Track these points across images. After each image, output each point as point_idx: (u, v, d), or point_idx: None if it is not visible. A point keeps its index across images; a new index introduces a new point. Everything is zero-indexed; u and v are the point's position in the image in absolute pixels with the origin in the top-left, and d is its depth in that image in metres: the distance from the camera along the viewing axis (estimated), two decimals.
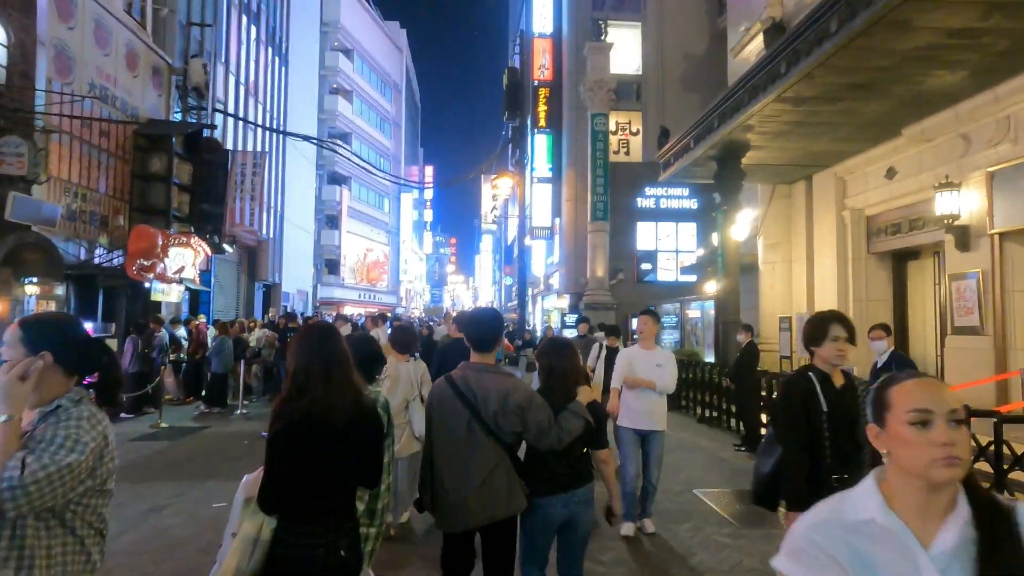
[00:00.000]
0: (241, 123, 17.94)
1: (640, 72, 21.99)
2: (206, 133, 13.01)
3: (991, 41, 6.67)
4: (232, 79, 17.28)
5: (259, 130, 19.31)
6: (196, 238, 11.10)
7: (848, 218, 11.56)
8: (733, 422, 9.36)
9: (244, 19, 18.23)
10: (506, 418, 2.52)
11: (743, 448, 8.09)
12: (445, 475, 2.59)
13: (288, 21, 22.69)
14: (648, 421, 4.75)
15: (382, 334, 10.08)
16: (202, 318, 12.06)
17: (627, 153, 21.83)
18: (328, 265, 46.89)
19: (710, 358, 12.30)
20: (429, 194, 72.20)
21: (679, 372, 12.73)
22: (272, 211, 21.13)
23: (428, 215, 74.37)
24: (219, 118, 16.87)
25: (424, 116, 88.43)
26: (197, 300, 16.25)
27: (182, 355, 10.40)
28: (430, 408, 2.73)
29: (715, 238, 13.05)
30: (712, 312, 13.05)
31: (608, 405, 4.75)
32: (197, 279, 11.32)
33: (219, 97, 16.15)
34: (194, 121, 12.76)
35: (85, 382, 1.78)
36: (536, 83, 22.80)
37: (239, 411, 9.72)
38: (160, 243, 9.77)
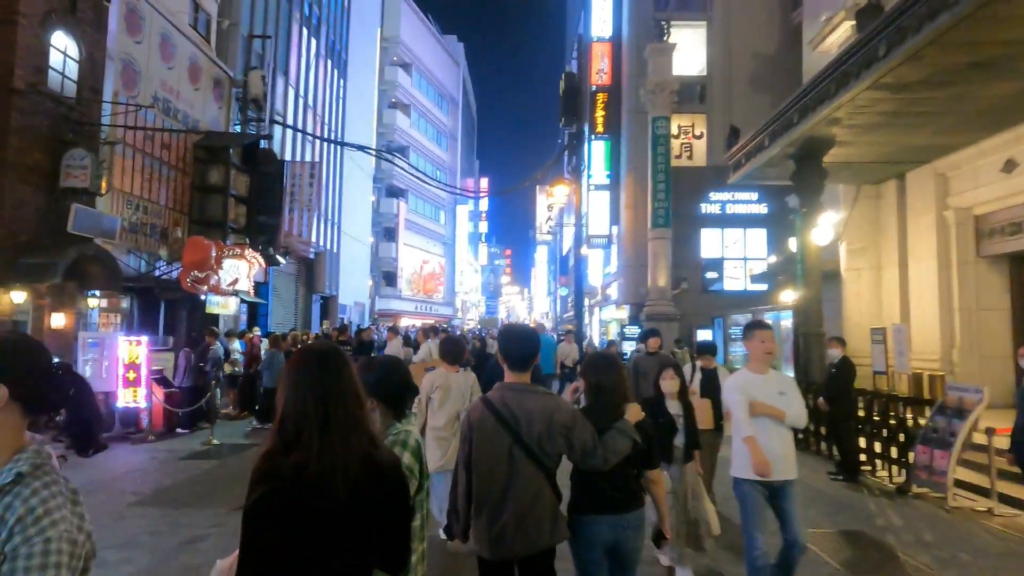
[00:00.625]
0: (299, 135, 18.06)
1: (705, 73, 21.01)
2: (263, 144, 13.00)
3: None
4: (291, 91, 17.42)
5: (316, 142, 19.42)
6: (250, 250, 11.01)
7: (951, 218, 10.36)
8: (824, 446, 8.38)
9: (305, 32, 18.40)
10: (551, 439, 2.40)
11: (840, 477, 7.15)
12: (485, 503, 2.45)
13: (348, 35, 22.94)
14: (779, 468, 3.51)
15: (434, 346, 9.66)
16: (257, 331, 11.94)
17: (690, 157, 20.85)
18: (386, 277, 47.55)
19: (788, 373, 11.25)
20: (484, 205, 72.50)
21: None
22: (329, 223, 21.25)
23: (483, 227, 74.55)
24: (277, 130, 17.03)
25: (480, 128, 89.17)
26: (255, 312, 16.34)
27: (237, 369, 10.24)
28: (467, 432, 2.54)
29: (793, 243, 12.02)
30: (789, 323, 12.01)
31: (754, 463, 3.46)
32: (252, 291, 11.22)
33: (278, 109, 16.27)
34: (252, 132, 12.77)
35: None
36: (594, 88, 22.15)
37: None
38: (214, 255, 9.68)
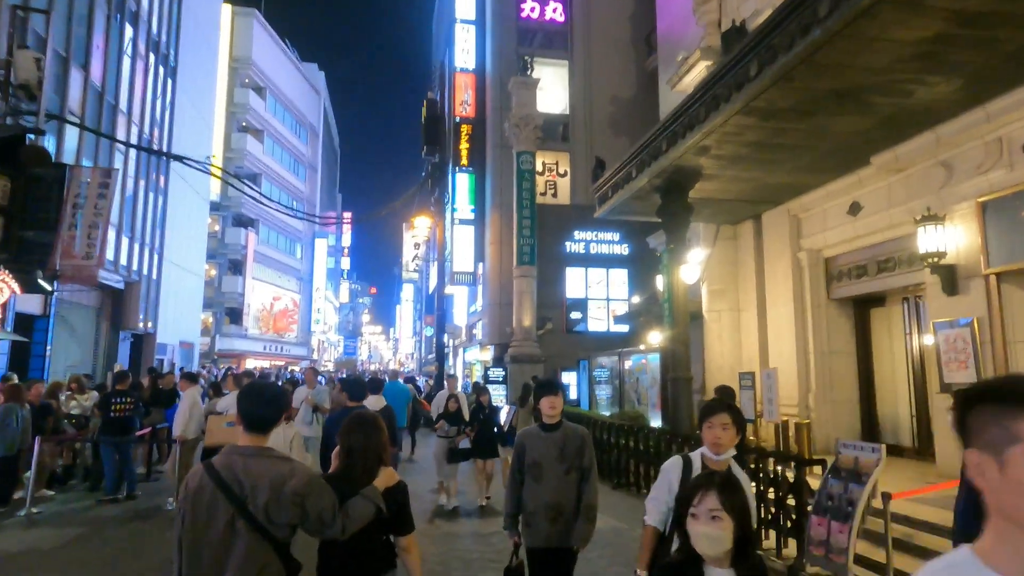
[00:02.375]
0: (106, 145, 15.10)
1: (567, 112, 20.97)
2: (43, 143, 10.31)
3: (1007, 36, 5.50)
4: (92, 89, 14.44)
5: (132, 153, 16.38)
6: None
7: (804, 260, 10.35)
8: None
9: (117, 19, 15.48)
10: (281, 509, 2.13)
11: None
12: None
13: (177, 35, 20.07)
14: None
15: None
16: (12, 378, 9.10)
17: (554, 195, 20.51)
18: (230, 314, 43.00)
19: (656, 421, 10.55)
20: (347, 241, 69.25)
21: (621, 437, 9.59)
22: (147, 248, 18.02)
23: (346, 263, 70.96)
24: (73, 136, 14.02)
25: (344, 161, 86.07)
26: (26, 353, 12.97)
27: None
28: (182, 503, 2.18)
29: (659, 281, 11.55)
30: (655, 365, 11.42)
31: None
32: None
33: (72, 108, 13.36)
34: (25, 124, 10.06)
35: None
36: (458, 119, 21.30)
37: (24, 510, 6.84)
38: None
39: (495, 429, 8.27)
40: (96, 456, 8.55)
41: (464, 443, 7.99)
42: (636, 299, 16.71)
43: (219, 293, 41.79)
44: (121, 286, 16.89)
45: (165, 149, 18.65)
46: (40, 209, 10.16)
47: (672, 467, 2.73)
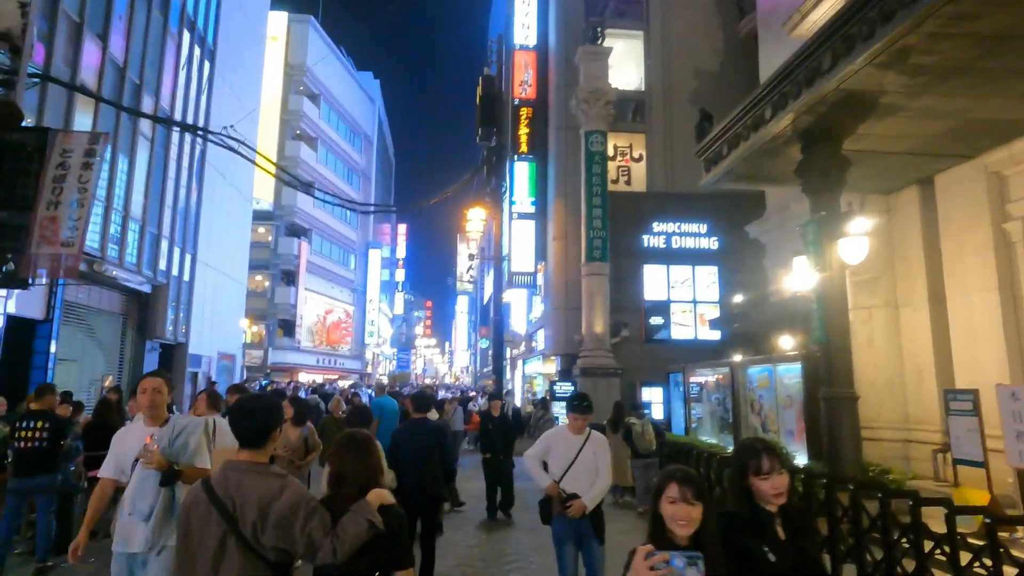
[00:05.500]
0: (127, 128, 13.46)
1: (642, 88, 18.33)
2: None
3: None
4: (111, 63, 12.70)
5: (158, 139, 14.65)
6: None
7: (1017, 232, 7.36)
8: None
9: None
10: (266, 530, 2.04)
11: None
12: None
13: (217, 19, 18.46)
14: None
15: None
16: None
17: (628, 182, 17.87)
18: (283, 326, 41.94)
19: (800, 456, 7.70)
20: (401, 252, 68.28)
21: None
22: (177, 248, 16.36)
23: (400, 275, 69.94)
24: (87, 117, 12.33)
25: (399, 172, 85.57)
26: (27, 364, 11.21)
27: None
28: (180, 517, 2.17)
29: (801, 266, 8.74)
30: (788, 380, 8.55)
31: None
32: None
33: (85, 80, 11.63)
34: None
35: None
36: (517, 102, 18.99)
37: None
38: None
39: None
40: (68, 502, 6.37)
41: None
42: (739, 298, 13.80)
43: (272, 305, 40.87)
44: (147, 289, 15.22)
45: (203, 144, 17.03)
46: (18, 185, 8.33)
47: None
